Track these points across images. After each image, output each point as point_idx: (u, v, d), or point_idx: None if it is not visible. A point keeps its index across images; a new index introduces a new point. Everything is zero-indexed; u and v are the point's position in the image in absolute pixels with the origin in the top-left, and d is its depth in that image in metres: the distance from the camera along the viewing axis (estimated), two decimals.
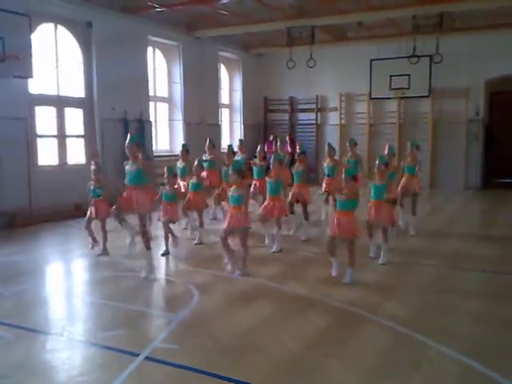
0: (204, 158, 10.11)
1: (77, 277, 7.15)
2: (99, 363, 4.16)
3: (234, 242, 6.90)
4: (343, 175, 6.31)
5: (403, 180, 8.98)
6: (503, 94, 16.35)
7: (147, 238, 6.55)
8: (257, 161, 10.06)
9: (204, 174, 9.66)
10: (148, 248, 6.53)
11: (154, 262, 6.70)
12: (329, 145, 9.65)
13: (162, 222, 7.69)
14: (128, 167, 6.45)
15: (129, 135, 6.55)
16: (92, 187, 7.61)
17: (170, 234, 7.71)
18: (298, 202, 8.75)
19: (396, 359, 4.20)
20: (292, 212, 8.80)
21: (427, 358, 4.22)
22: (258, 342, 4.52)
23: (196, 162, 8.82)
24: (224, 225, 6.70)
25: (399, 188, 8.89)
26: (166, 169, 7.72)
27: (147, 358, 4.16)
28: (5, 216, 9.88)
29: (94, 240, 7.75)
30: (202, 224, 8.62)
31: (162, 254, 7.69)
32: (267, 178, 8.03)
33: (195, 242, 8.44)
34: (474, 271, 6.87)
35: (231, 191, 6.65)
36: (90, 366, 4.13)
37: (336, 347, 4.41)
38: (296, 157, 9.16)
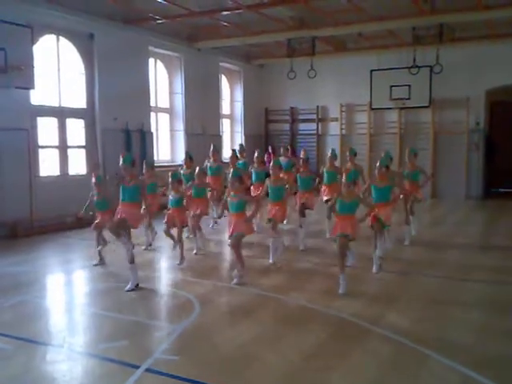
0: (209, 165, 10.09)
1: (77, 288, 7.13)
2: (100, 375, 4.14)
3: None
4: (344, 181, 6.31)
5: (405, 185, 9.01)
6: (504, 103, 16.37)
7: (132, 252, 6.47)
8: (255, 166, 10.05)
9: (208, 180, 9.58)
10: (132, 262, 6.43)
11: (138, 273, 6.58)
12: (332, 151, 9.67)
13: (173, 228, 7.67)
14: (124, 185, 6.46)
15: (121, 157, 6.54)
16: (95, 198, 7.59)
17: (179, 242, 7.68)
18: (306, 209, 8.76)
19: (397, 371, 4.18)
20: (300, 226, 8.77)
21: (429, 369, 4.20)
22: (259, 354, 4.50)
23: (198, 169, 8.69)
24: (228, 233, 6.72)
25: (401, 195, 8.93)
26: (169, 174, 7.77)
27: (148, 370, 4.14)
28: (6, 226, 9.89)
29: (102, 258, 7.75)
30: (200, 231, 8.62)
31: (179, 264, 7.64)
32: (267, 183, 7.87)
33: (194, 251, 8.40)
34: (476, 282, 6.84)
35: (230, 198, 6.65)
36: (91, 378, 4.11)
37: (337, 359, 4.39)
38: (301, 163, 9.17)
